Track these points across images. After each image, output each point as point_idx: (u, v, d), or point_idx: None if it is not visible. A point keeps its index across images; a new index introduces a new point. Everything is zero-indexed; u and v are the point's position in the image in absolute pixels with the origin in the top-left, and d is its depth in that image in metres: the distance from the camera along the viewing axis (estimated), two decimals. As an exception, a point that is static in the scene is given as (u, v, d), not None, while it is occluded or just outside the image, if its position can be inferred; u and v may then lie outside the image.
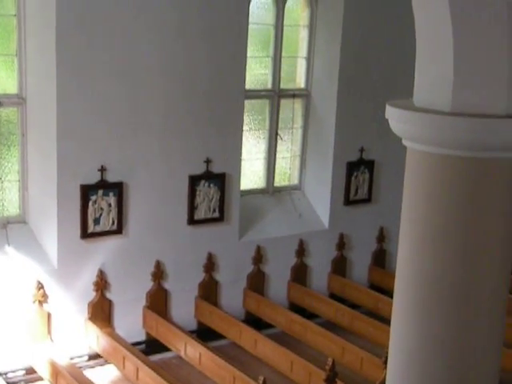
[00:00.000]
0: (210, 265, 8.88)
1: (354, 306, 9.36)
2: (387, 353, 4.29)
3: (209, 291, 8.93)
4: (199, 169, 8.57)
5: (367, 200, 10.08)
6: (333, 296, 9.72)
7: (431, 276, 3.97)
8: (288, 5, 9.37)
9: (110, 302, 8.24)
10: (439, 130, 3.81)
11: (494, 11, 3.65)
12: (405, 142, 4.15)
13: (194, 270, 8.80)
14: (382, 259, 10.33)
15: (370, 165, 9.96)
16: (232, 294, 9.14)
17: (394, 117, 4.07)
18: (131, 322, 8.43)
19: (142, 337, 8.54)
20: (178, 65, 8.18)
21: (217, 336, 8.64)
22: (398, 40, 9.38)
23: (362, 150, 9.83)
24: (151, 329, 8.43)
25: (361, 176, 9.93)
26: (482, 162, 3.86)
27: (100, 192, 7.89)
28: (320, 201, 9.88)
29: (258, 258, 9.26)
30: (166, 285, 8.63)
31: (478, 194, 3.90)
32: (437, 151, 3.88)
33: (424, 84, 4.04)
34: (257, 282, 9.31)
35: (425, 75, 4.02)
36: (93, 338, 8.08)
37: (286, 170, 10.04)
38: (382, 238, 10.26)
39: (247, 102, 9.14)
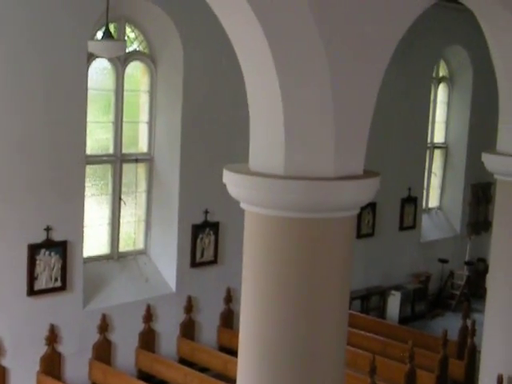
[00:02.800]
0: (53, 337, 8.49)
1: (203, 369, 9.28)
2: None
3: (52, 365, 8.50)
4: (39, 237, 8.25)
5: (213, 262, 10.15)
6: (182, 360, 9.59)
7: (271, 335, 4.04)
8: (128, 70, 9.42)
9: None
10: (273, 192, 3.95)
11: (320, 81, 3.88)
12: (243, 205, 4.26)
13: (35, 344, 8.36)
14: (230, 320, 10.36)
15: (215, 227, 10.07)
16: (77, 366, 8.76)
17: (231, 181, 4.18)
18: (-34, 404, 7.84)
19: (-22, 420, 7.96)
20: (15, 132, 7.92)
21: (61, 412, 8.23)
22: (237, 104, 9.67)
23: (206, 212, 9.93)
24: (-12, 410, 7.87)
25: (206, 238, 10.00)
26: (315, 223, 4.04)
27: None
28: (166, 264, 9.81)
29: (104, 326, 8.99)
30: (4, 362, 8.13)
31: (313, 253, 4.05)
32: (272, 213, 4.01)
33: (258, 149, 4.19)
34: (103, 352, 9.00)
35: (259, 140, 4.17)
36: None
37: (131, 235, 9.91)
38: (229, 298, 10.32)
39: (89, 168, 9.00)
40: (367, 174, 4.22)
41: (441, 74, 14.10)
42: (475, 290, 13.46)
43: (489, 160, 6.61)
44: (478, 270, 13.82)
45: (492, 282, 6.76)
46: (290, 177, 3.93)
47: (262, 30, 3.72)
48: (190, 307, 9.88)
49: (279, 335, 4.03)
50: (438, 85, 14.06)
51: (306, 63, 3.85)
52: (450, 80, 14.26)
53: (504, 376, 6.67)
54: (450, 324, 11.44)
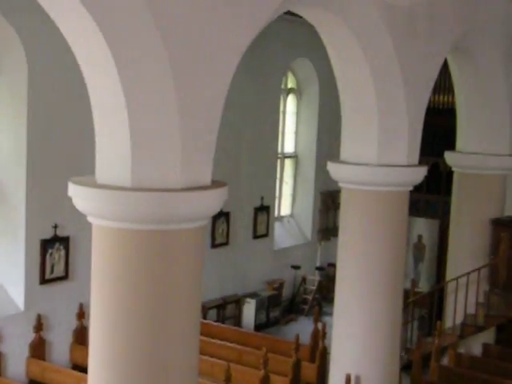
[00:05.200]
0: None
1: (55, 389, 8.97)
2: None
3: None
4: None
5: (64, 277, 9.82)
6: (32, 382, 9.20)
7: (120, 348, 3.98)
8: (-33, 79, 8.96)
9: None
10: (120, 205, 3.89)
11: (165, 92, 3.88)
12: (90, 219, 4.17)
13: None
14: (83, 337, 10.05)
15: (65, 241, 9.76)
16: None
17: (77, 194, 4.08)
18: None
19: None
20: None
21: None
22: (86, 115, 9.43)
23: (55, 227, 9.60)
24: None
25: (56, 253, 9.68)
26: (163, 234, 4.02)
27: None
28: (13, 282, 9.37)
29: None
30: None
31: (162, 265, 4.03)
32: (119, 226, 3.96)
33: (105, 161, 4.11)
34: None
35: (105, 153, 4.10)
36: None
37: (-26, 253, 9.40)
38: (82, 314, 10.02)
39: None
40: (215, 184, 4.26)
41: (289, 86, 14.54)
42: (326, 294, 13.96)
43: (333, 168, 6.87)
44: (329, 275, 14.34)
45: (338, 285, 7.02)
46: (137, 189, 3.89)
47: (104, 39, 3.67)
48: (39, 326, 9.49)
49: (128, 348, 3.97)
50: (287, 96, 14.49)
51: (151, 75, 3.84)
52: (298, 91, 14.73)
53: (352, 375, 6.95)
54: (303, 328, 11.78)
